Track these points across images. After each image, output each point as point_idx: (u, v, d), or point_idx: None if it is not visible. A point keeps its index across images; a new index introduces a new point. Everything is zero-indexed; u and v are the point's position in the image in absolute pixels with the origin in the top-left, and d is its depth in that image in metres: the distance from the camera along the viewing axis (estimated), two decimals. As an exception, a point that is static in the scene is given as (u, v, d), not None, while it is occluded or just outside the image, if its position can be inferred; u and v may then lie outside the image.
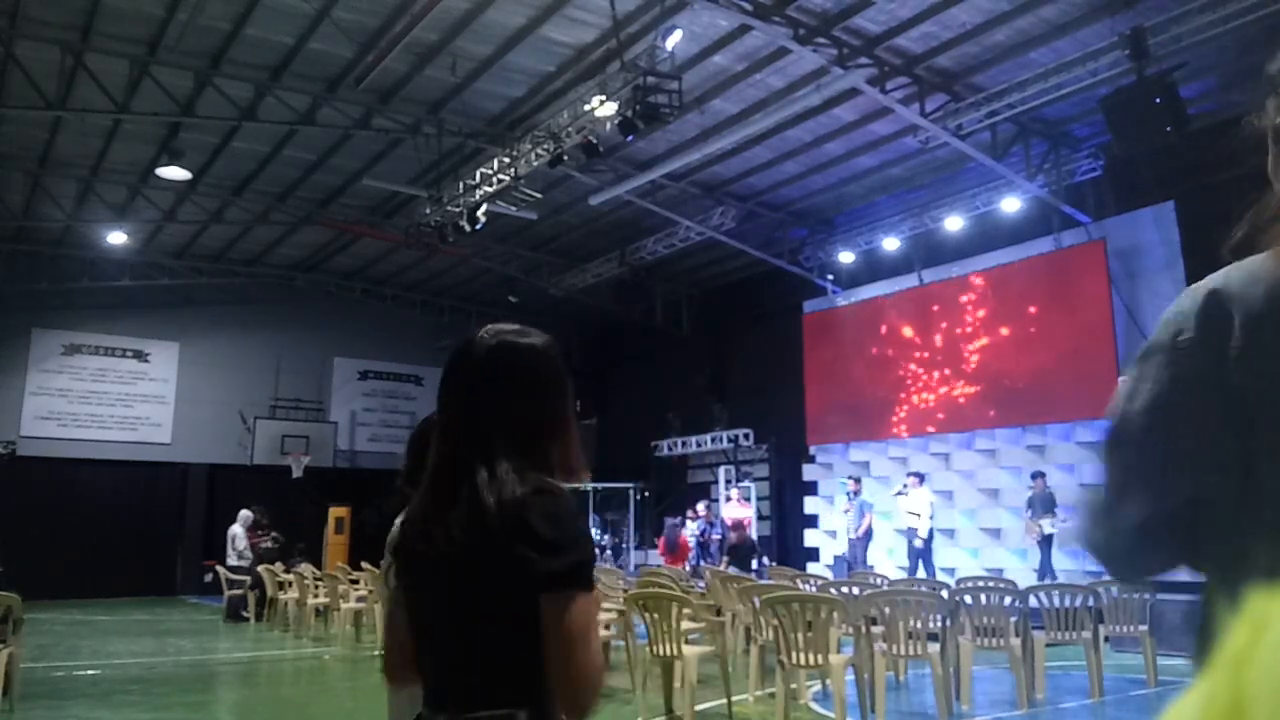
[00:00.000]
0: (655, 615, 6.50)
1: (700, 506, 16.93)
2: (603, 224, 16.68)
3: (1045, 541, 12.03)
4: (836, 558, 15.21)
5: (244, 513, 15.59)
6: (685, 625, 6.69)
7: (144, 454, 19.26)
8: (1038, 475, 12.32)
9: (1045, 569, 11.96)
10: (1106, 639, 7.88)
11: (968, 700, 7.12)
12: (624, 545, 19.90)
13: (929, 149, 12.75)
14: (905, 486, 13.94)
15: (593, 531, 18.80)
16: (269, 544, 15.58)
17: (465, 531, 1.46)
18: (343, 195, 15.86)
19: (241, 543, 15.10)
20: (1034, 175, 12.86)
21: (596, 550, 1.46)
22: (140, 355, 19.57)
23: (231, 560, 14.94)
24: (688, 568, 15.42)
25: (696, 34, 10.66)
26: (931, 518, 13.48)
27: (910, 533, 13.45)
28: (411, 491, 2.60)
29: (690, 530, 16.76)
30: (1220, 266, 1.11)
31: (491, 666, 1.47)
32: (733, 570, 11.54)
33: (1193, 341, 1.04)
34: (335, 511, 20.21)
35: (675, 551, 16.74)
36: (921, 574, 12.81)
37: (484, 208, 13.12)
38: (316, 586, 12.74)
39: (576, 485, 1.65)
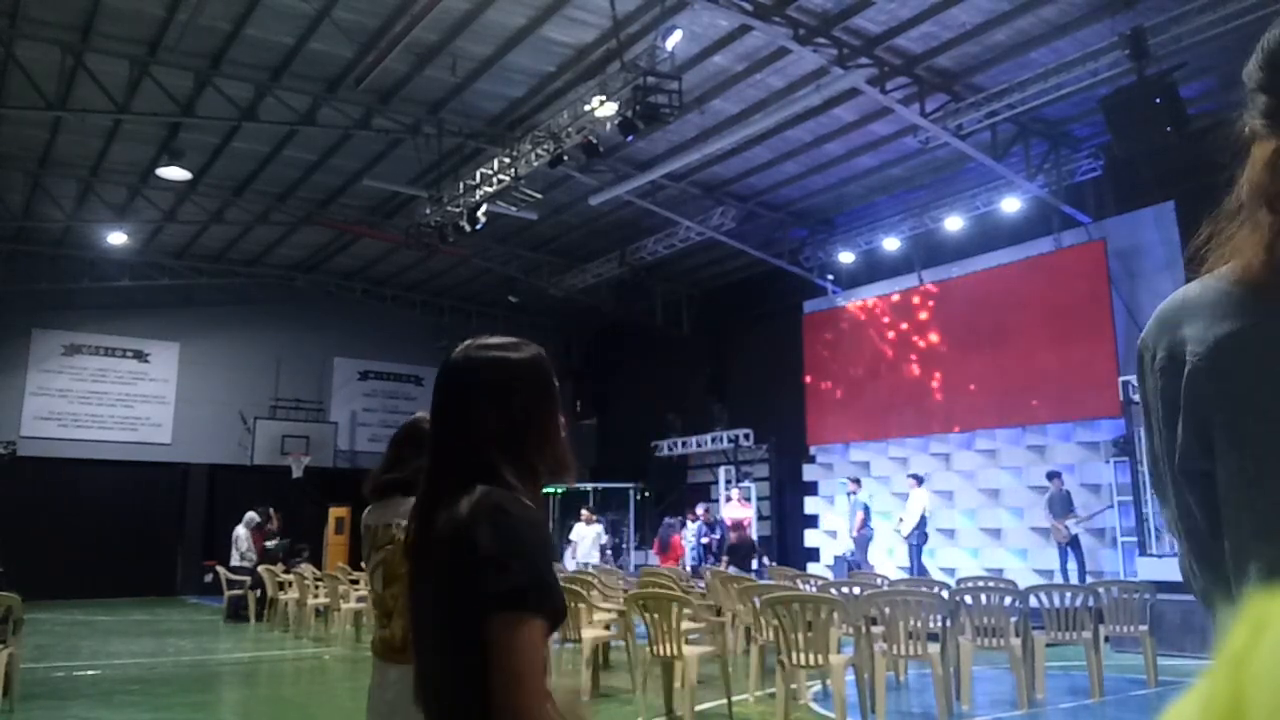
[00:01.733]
0: (655, 615, 6.50)
1: (700, 509, 16.94)
2: (603, 224, 16.68)
3: (1073, 542, 12.01)
4: (836, 558, 15.21)
5: (249, 514, 15.58)
6: (685, 625, 6.69)
7: (144, 454, 19.26)
8: (1054, 475, 12.31)
9: (1079, 572, 11.85)
10: (1106, 639, 7.89)
11: (968, 700, 7.12)
12: (624, 545, 19.90)
13: (929, 149, 12.76)
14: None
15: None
16: (274, 543, 15.59)
17: (426, 543, 1.48)
18: (343, 195, 15.86)
19: (245, 544, 15.09)
20: (1034, 175, 12.86)
21: (555, 581, 1.46)
22: (140, 355, 19.57)
23: (235, 561, 14.93)
24: (687, 568, 15.42)
25: (696, 34, 10.66)
26: (923, 518, 13.44)
27: (912, 534, 13.42)
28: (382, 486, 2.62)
29: (690, 532, 16.77)
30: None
31: (451, 694, 1.44)
32: (733, 570, 11.55)
33: (1160, 365, 1.04)
34: (335, 511, 20.22)
35: (667, 551, 16.80)
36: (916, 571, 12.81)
37: (484, 208, 13.12)
38: (316, 587, 12.74)
39: (572, 485, 1.64)
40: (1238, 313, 0.98)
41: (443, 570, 1.45)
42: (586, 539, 16.98)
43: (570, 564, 15.92)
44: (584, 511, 17.84)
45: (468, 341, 1.64)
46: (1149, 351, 1.06)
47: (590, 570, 12.88)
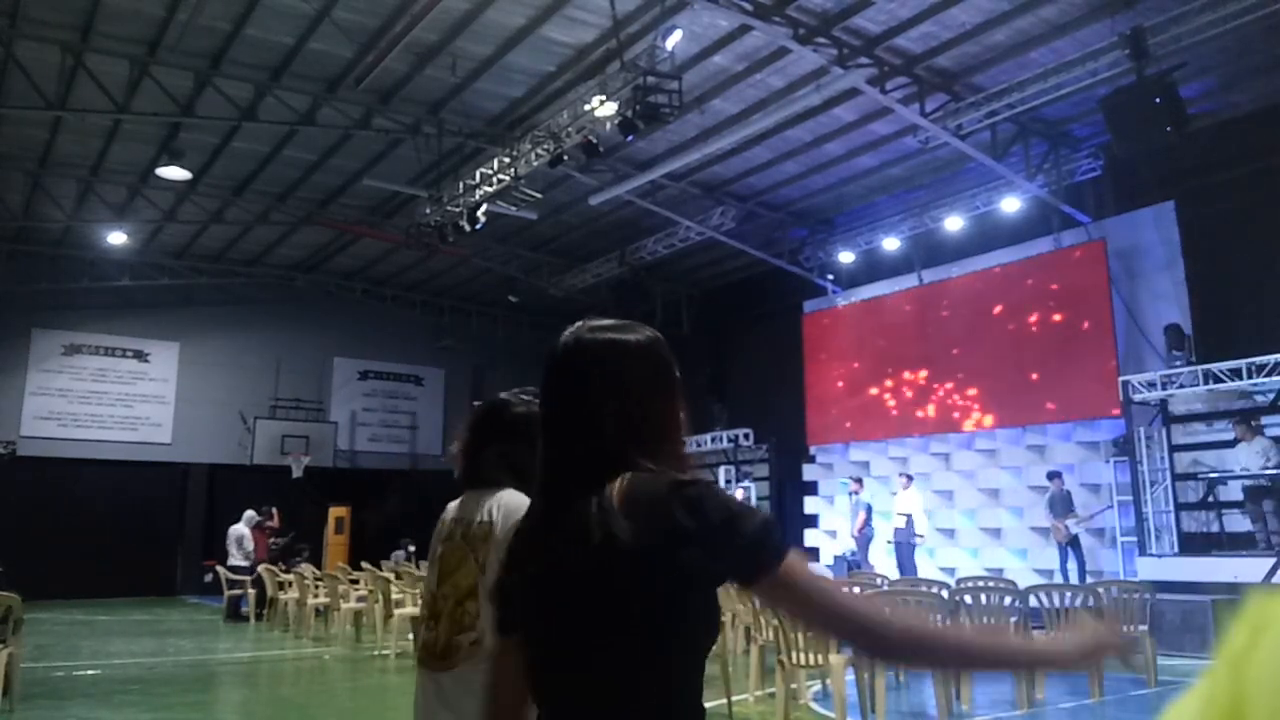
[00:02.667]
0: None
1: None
2: (603, 224, 16.68)
3: (1073, 542, 12.01)
4: (836, 558, 15.21)
5: (248, 513, 15.57)
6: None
7: (144, 454, 19.26)
8: (1054, 475, 12.31)
9: (1079, 571, 11.86)
10: (1106, 639, 7.86)
11: (968, 700, 7.13)
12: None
13: (929, 149, 12.76)
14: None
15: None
16: (275, 542, 15.59)
17: (598, 543, 1.29)
18: (343, 195, 15.86)
19: (249, 542, 15.07)
20: (1034, 175, 12.86)
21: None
22: (140, 355, 19.56)
23: (236, 560, 14.89)
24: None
25: (696, 34, 10.66)
26: (927, 513, 13.46)
27: (899, 533, 13.40)
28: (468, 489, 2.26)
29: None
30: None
31: (628, 702, 1.29)
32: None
33: None
34: (335, 511, 20.22)
35: None
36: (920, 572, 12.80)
37: (484, 208, 13.12)
38: (316, 586, 12.74)
39: None
40: None
41: (628, 569, 1.27)
42: None
43: None
44: None
45: (578, 324, 1.48)
46: None
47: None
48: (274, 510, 16.32)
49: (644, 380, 1.42)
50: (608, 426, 1.37)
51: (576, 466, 1.37)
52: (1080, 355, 12.70)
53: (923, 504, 13.63)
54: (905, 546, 13.26)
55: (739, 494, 16.28)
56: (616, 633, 1.29)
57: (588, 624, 1.31)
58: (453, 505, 2.30)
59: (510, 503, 2.11)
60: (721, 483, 17.93)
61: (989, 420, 14.13)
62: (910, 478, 13.84)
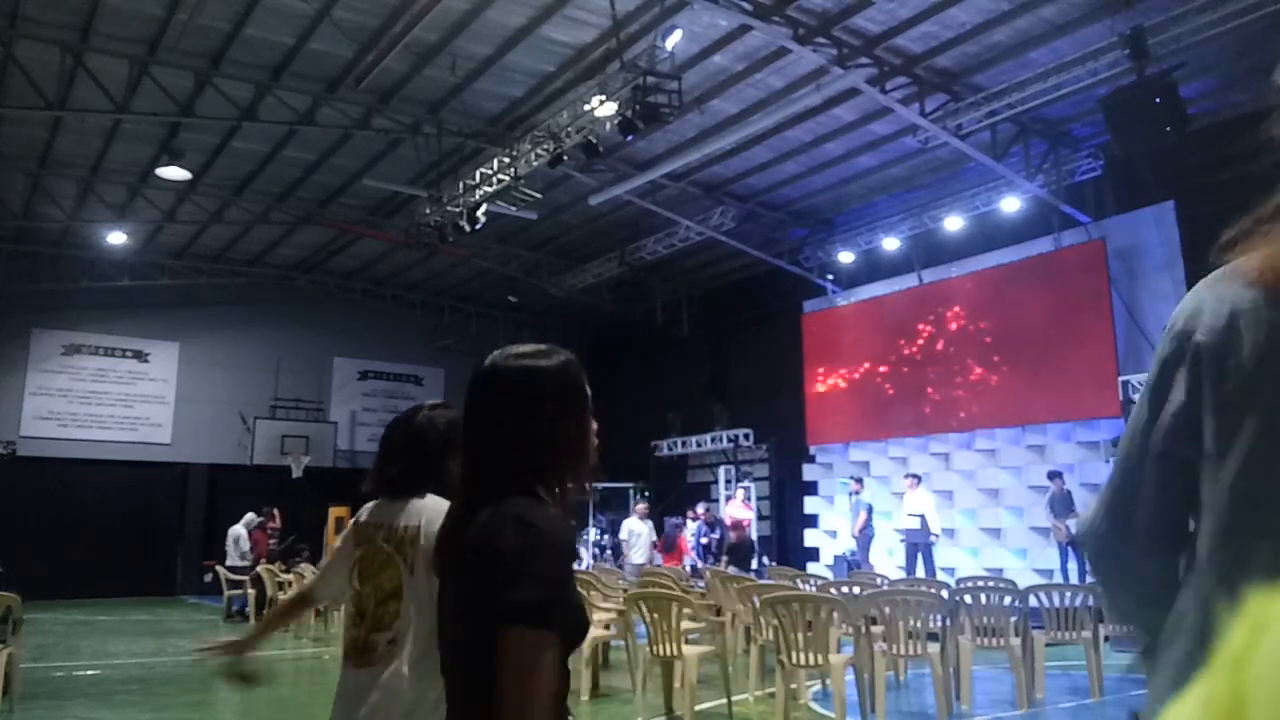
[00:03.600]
0: (655, 615, 6.50)
1: (699, 508, 16.92)
2: (603, 224, 16.68)
3: (1074, 542, 11.99)
4: (836, 558, 15.21)
5: (248, 515, 15.58)
6: (685, 625, 6.69)
7: (144, 454, 19.26)
8: (1055, 475, 12.31)
9: (1079, 571, 11.85)
10: (1106, 639, 7.88)
11: (968, 700, 7.12)
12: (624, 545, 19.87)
13: (929, 149, 12.76)
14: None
15: (578, 567, 18.14)
16: (274, 542, 15.60)
17: (455, 555, 1.48)
18: (343, 195, 15.86)
19: (245, 544, 15.08)
20: (1034, 175, 12.86)
21: (576, 599, 1.47)
22: (140, 355, 19.57)
23: (233, 560, 14.91)
24: (688, 567, 15.42)
25: (696, 34, 10.66)
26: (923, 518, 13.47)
27: (911, 534, 13.40)
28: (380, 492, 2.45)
29: (689, 531, 16.76)
30: (1219, 266, 1.14)
31: (460, 708, 1.47)
32: (733, 570, 11.55)
33: (1175, 341, 1.09)
34: (335, 511, 20.18)
35: (672, 551, 16.77)
36: (921, 572, 12.81)
37: (484, 208, 13.12)
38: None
39: (587, 498, 1.70)
40: (1258, 312, 1.01)
41: (463, 580, 1.45)
42: (642, 537, 15.10)
43: (627, 567, 14.48)
44: (638, 506, 16.23)
45: (497, 351, 1.60)
46: (1175, 326, 1.10)
47: (589, 570, 12.88)
48: (275, 511, 16.32)
49: (552, 404, 1.53)
50: (510, 446, 1.50)
51: (482, 480, 1.50)
52: (1080, 355, 12.70)
53: (934, 503, 13.64)
54: (922, 547, 13.24)
55: (739, 495, 16.29)
56: (467, 634, 1.43)
57: (454, 626, 1.49)
58: (366, 509, 2.47)
59: (434, 508, 2.21)
60: (721, 483, 17.95)
61: (989, 420, 14.13)
62: (918, 478, 13.83)
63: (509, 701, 1.30)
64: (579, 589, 1.58)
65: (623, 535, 15.71)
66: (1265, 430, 0.97)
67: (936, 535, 13.33)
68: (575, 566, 1.67)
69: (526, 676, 1.31)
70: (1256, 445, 0.97)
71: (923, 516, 13.28)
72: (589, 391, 1.60)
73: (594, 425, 1.60)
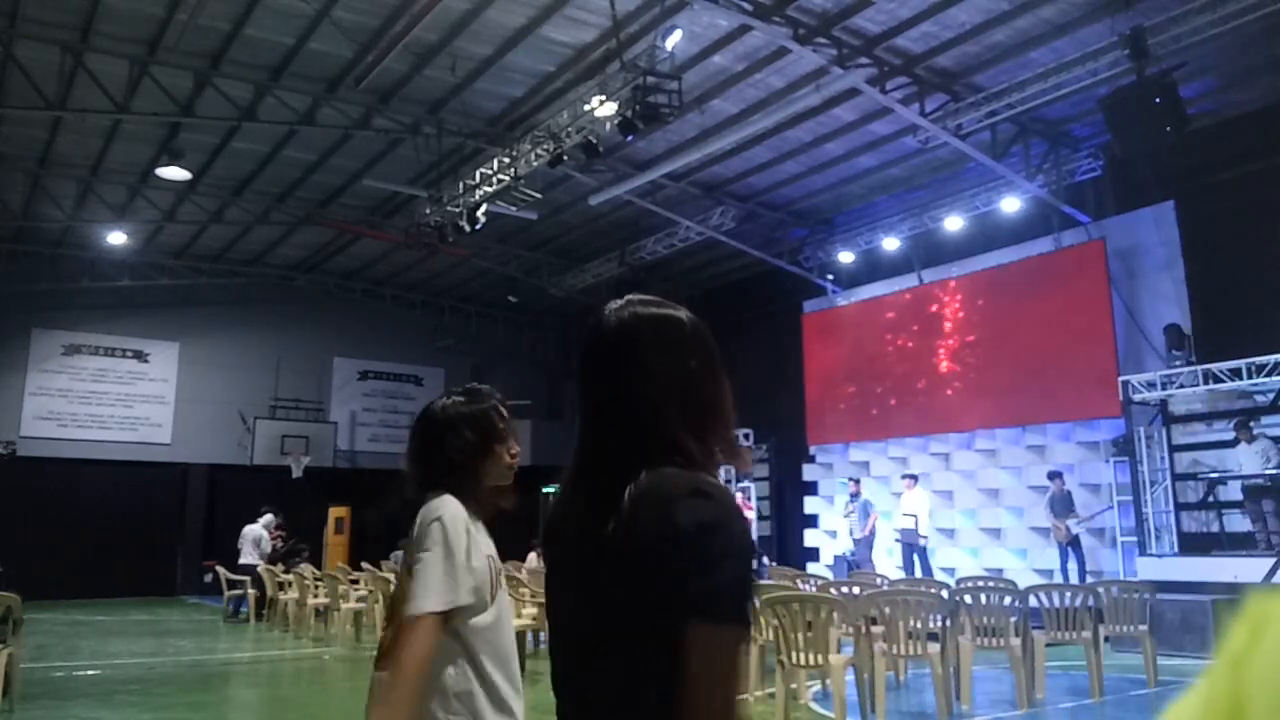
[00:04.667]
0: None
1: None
2: (603, 224, 16.68)
3: (1074, 542, 12.01)
4: (836, 558, 15.20)
5: (268, 516, 15.52)
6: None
7: (144, 454, 19.26)
8: (1055, 475, 12.31)
9: (1079, 571, 11.86)
10: (1106, 639, 7.88)
11: (968, 700, 7.12)
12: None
13: (929, 149, 12.76)
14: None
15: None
16: (279, 543, 15.59)
17: (607, 532, 1.21)
18: (343, 195, 15.86)
19: (267, 544, 15.04)
20: (1034, 175, 12.86)
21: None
22: (140, 355, 19.56)
23: (251, 559, 14.78)
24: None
25: (696, 34, 10.66)
26: (930, 514, 13.50)
27: (906, 534, 13.42)
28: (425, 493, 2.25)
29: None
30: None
31: (618, 702, 1.21)
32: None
33: None
34: (335, 511, 20.21)
35: None
36: (918, 573, 12.82)
37: (484, 208, 13.12)
38: (316, 587, 12.74)
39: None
40: None
41: (627, 565, 1.19)
42: None
43: None
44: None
45: (618, 301, 1.37)
46: None
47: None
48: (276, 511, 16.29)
49: (698, 357, 1.34)
50: (664, 407, 1.27)
51: (622, 454, 1.26)
52: (1080, 355, 12.70)
53: (929, 505, 13.64)
54: (915, 548, 13.26)
55: (739, 497, 16.29)
56: (610, 629, 1.23)
57: (609, 619, 1.23)
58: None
59: (427, 510, 2.15)
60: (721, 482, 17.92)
61: (989, 420, 14.12)
62: (915, 478, 13.83)
63: (703, 703, 1.12)
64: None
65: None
66: None
67: (926, 537, 13.34)
68: None
69: (724, 682, 1.14)
70: None
71: (915, 517, 13.29)
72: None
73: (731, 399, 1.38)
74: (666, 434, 1.25)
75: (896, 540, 13.78)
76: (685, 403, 1.29)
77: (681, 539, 1.15)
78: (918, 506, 13.38)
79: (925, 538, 13.35)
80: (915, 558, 13.30)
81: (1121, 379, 11.76)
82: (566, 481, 1.35)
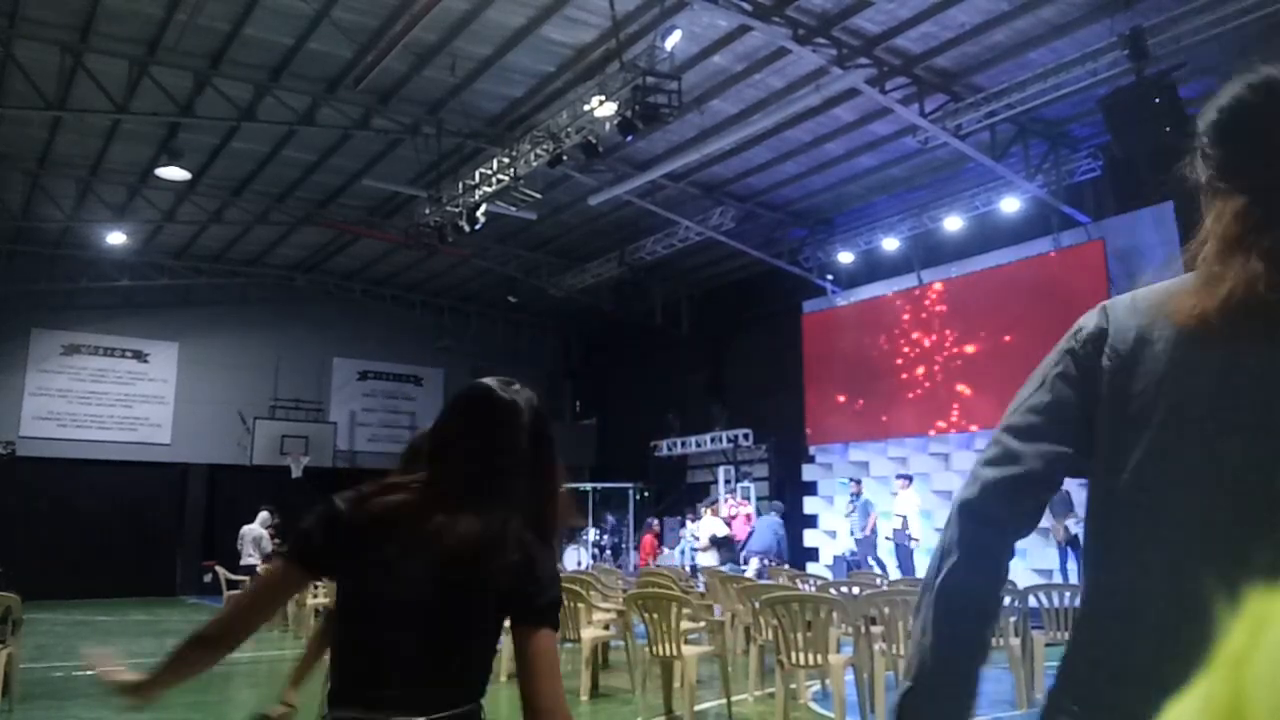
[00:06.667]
0: (655, 615, 6.50)
1: (702, 508, 16.93)
2: (602, 224, 16.68)
3: (1073, 542, 12.00)
4: (836, 558, 15.21)
5: (263, 514, 15.52)
6: (685, 625, 6.69)
7: (144, 454, 19.25)
8: None
9: (1078, 572, 11.87)
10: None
11: (967, 700, 7.10)
12: (624, 545, 19.89)
13: (928, 149, 12.76)
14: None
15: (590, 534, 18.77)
16: (277, 542, 15.57)
17: (481, 552, 1.68)
18: (342, 195, 15.86)
19: (268, 544, 15.03)
20: (1033, 175, 12.86)
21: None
22: (140, 355, 19.56)
23: (253, 559, 14.78)
24: (687, 567, 15.42)
25: (696, 34, 10.66)
26: (920, 514, 13.48)
27: (897, 535, 13.42)
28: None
29: (689, 532, 16.73)
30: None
31: (458, 674, 1.70)
32: (716, 559, 11.65)
33: (1081, 347, 1.30)
34: (335, 512, 20.18)
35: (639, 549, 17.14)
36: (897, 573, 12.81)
37: (484, 208, 13.12)
38: (316, 587, 12.73)
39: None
40: (1179, 342, 1.15)
41: (479, 571, 1.67)
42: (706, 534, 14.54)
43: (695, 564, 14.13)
44: (726, 501, 15.96)
45: (495, 380, 1.82)
46: (1072, 334, 1.31)
47: (589, 571, 12.89)
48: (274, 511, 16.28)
49: (550, 442, 1.82)
50: (519, 472, 1.75)
51: (484, 493, 1.72)
52: (1080, 355, 12.69)
53: (919, 506, 13.62)
54: (903, 549, 13.27)
55: (730, 500, 16.40)
56: (462, 626, 1.69)
57: (438, 613, 1.67)
58: None
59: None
60: (721, 483, 17.95)
61: (989, 420, 14.12)
62: (909, 479, 13.83)
63: (551, 686, 1.65)
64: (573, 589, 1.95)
65: (697, 533, 15.44)
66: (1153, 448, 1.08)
67: (916, 540, 13.34)
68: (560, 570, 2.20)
69: (557, 668, 1.68)
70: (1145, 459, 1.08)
71: (904, 518, 13.29)
72: None
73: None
74: (514, 489, 1.75)
75: (887, 538, 13.79)
76: (533, 474, 1.78)
77: (536, 569, 1.71)
78: (907, 508, 13.39)
79: (916, 540, 13.35)
80: (905, 557, 13.31)
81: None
82: (449, 498, 1.73)
